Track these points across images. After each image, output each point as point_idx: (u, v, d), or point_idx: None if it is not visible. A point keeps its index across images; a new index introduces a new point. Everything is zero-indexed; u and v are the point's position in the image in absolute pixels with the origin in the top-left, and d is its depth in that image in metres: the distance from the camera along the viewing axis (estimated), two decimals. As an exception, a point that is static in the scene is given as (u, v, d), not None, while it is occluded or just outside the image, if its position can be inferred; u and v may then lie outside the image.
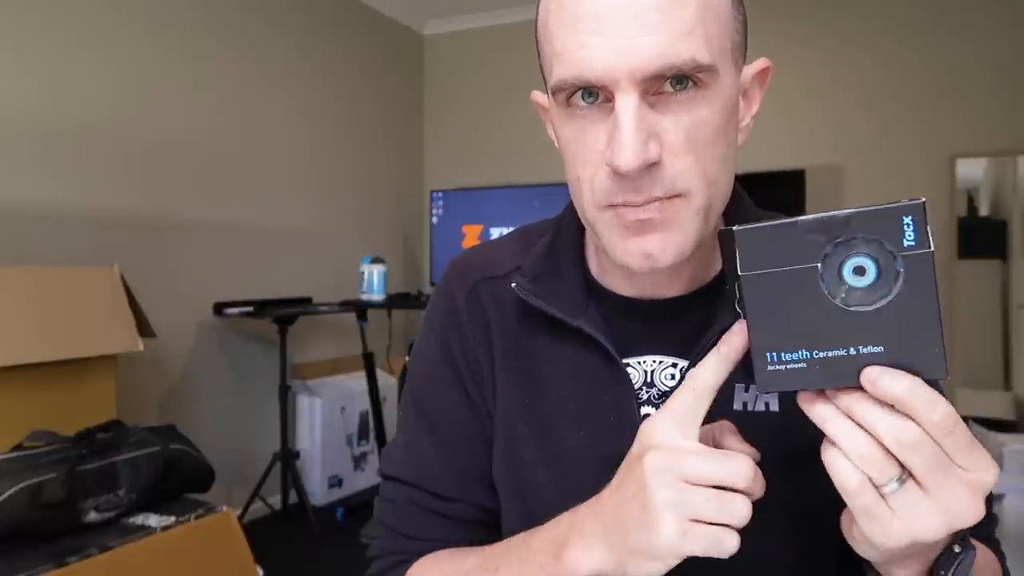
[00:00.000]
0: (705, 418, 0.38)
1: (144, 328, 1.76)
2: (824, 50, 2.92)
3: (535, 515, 0.46)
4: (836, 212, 0.33)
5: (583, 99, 0.42)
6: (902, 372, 0.33)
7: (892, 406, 0.33)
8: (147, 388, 2.28)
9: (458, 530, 0.54)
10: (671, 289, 0.50)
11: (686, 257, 0.43)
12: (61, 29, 2.06)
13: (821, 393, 0.35)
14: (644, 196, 0.41)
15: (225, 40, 2.61)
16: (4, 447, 1.42)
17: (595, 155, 0.42)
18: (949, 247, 2.74)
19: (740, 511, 0.36)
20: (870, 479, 0.33)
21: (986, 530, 0.51)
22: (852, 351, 0.34)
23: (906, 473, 0.33)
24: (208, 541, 1.47)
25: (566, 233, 0.54)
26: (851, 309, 0.33)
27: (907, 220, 0.32)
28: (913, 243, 0.32)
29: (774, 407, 0.48)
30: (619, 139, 0.40)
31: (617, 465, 0.41)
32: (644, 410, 0.49)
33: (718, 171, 0.43)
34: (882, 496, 0.33)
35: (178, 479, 1.54)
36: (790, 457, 0.44)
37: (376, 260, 2.84)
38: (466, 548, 0.52)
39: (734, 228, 0.35)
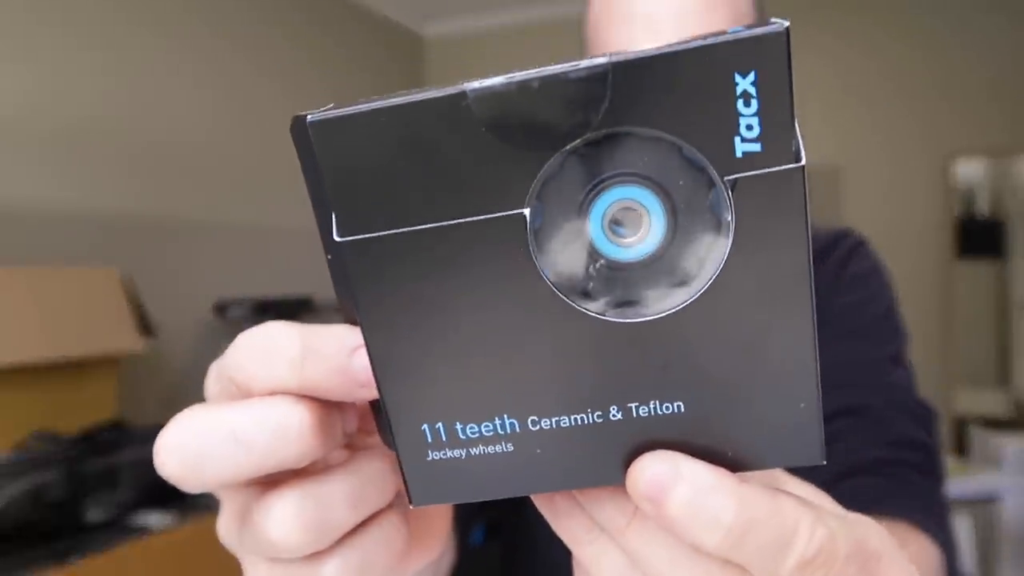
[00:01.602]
0: None
1: (145, 328, 1.76)
2: (823, 50, 2.93)
3: None
4: (566, 65, 0.13)
5: None
6: (715, 473, 0.15)
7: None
8: (148, 388, 2.28)
9: None
10: None
11: None
12: (59, 28, 2.07)
13: (568, 494, 0.17)
14: None
15: (224, 41, 2.61)
16: (4, 447, 1.42)
17: None
18: (947, 247, 2.74)
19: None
20: None
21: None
22: (615, 414, 0.15)
23: None
24: (208, 541, 1.47)
25: None
26: (611, 317, 0.14)
27: (743, 84, 0.13)
28: (757, 147, 0.13)
29: None
30: None
31: None
32: None
33: None
34: None
35: (178, 479, 1.54)
36: None
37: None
38: None
39: (308, 117, 0.14)
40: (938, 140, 2.78)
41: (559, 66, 0.13)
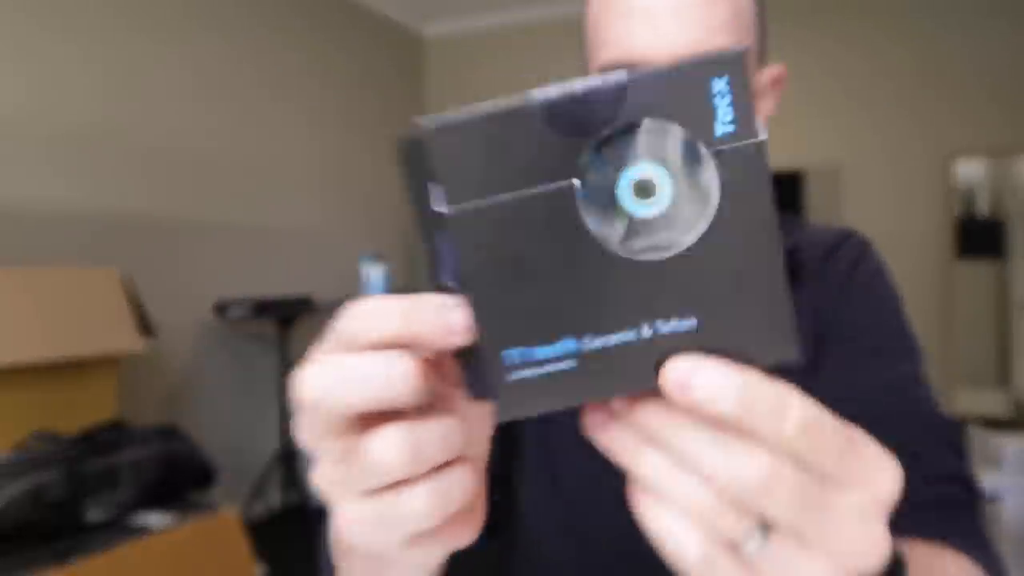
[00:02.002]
0: None
1: (145, 328, 1.76)
2: (824, 53, 2.93)
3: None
4: (597, 80, 0.20)
5: None
6: (724, 364, 0.20)
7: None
8: (148, 388, 2.28)
9: None
10: None
11: None
12: (61, 32, 2.07)
13: (609, 409, 0.22)
14: None
15: (224, 42, 2.61)
16: (4, 447, 1.42)
17: None
18: (948, 247, 2.74)
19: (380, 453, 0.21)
20: (718, 539, 0.21)
21: (971, 532, 0.46)
22: (647, 331, 0.20)
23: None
24: (208, 541, 1.48)
25: None
26: (639, 258, 0.20)
27: (718, 86, 0.19)
28: (731, 128, 0.19)
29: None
30: None
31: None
32: None
33: None
34: (741, 562, 0.21)
35: (179, 479, 1.54)
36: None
37: (377, 259, 2.85)
38: None
39: (424, 121, 0.20)
40: (938, 140, 2.78)
41: (593, 80, 0.20)
